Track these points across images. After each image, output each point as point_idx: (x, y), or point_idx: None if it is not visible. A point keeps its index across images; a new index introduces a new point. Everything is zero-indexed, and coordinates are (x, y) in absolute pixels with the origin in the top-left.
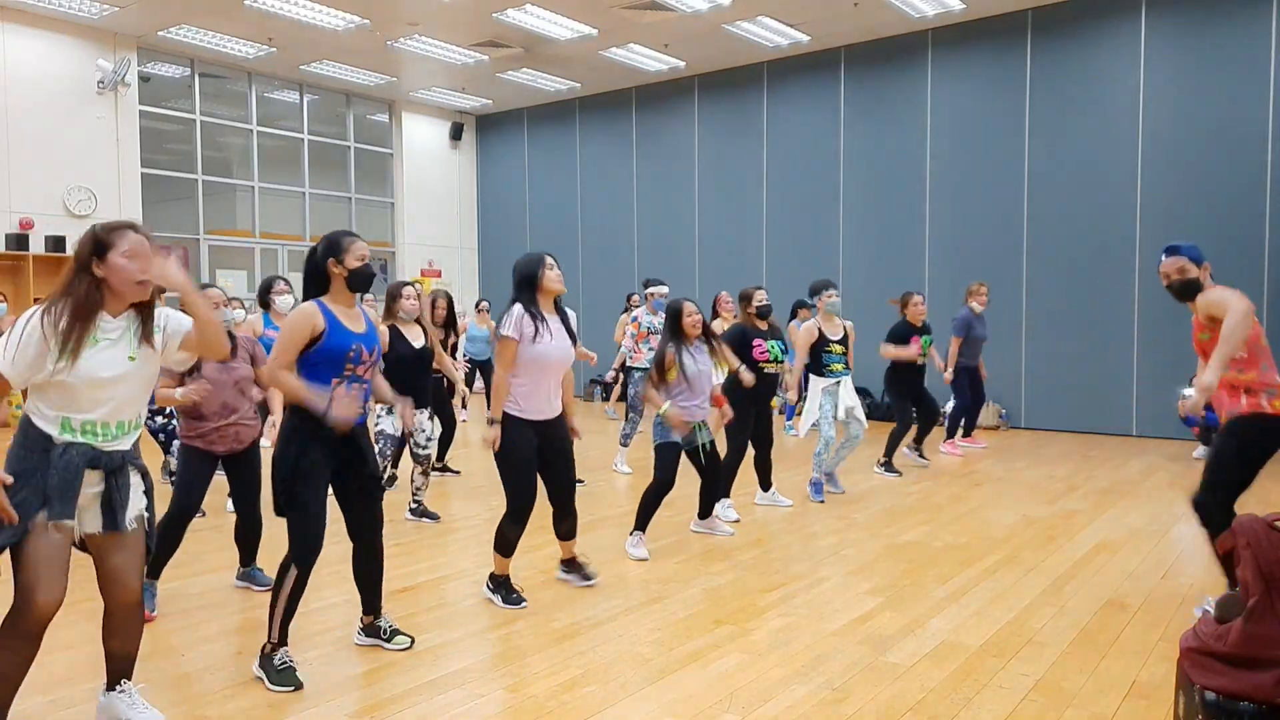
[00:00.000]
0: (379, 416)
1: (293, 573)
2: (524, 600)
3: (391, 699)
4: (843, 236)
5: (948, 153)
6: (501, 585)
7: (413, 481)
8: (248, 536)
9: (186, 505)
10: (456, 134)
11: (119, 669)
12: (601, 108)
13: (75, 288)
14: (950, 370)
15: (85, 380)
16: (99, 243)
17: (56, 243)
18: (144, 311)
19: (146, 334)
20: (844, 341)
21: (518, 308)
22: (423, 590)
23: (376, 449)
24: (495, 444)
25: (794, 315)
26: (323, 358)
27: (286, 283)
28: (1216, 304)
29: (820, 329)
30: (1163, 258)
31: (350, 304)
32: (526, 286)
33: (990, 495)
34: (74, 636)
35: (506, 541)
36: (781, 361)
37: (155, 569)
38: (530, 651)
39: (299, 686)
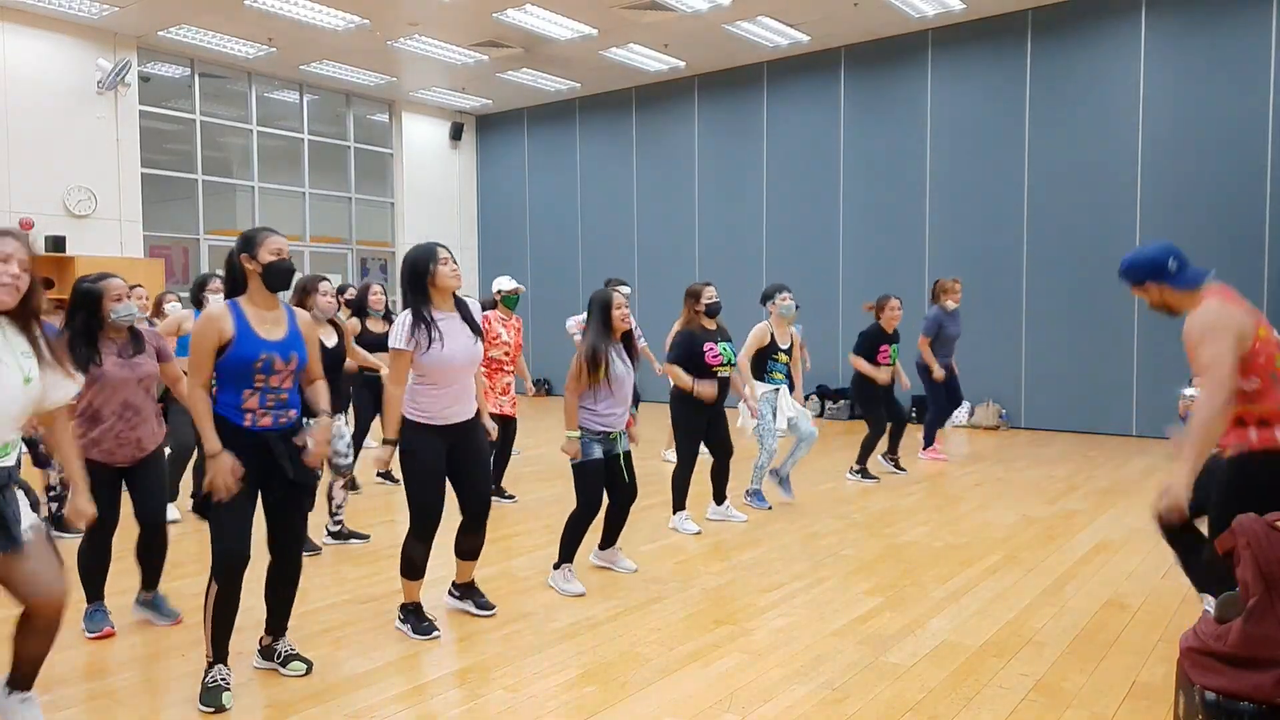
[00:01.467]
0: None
1: (214, 588)
2: (436, 630)
3: (391, 699)
4: (843, 236)
5: (948, 152)
6: (411, 614)
7: (331, 498)
8: (151, 555)
9: (104, 522)
10: (456, 134)
11: (27, 672)
12: (601, 108)
13: None
14: (938, 369)
15: None
16: None
17: (56, 243)
18: (24, 326)
19: (39, 353)
20: (789, 351)
21: (406, 316)
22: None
23: (346, 461)
24: (385, 465)
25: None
26: (229, 368)
27: (222, 280)
28: (1188, 346)
29: (771, 333)
30: None
31: (270, 305)
32: (417, 286)
33: (990, 495)
34: (70, 637)
35: (412, 564)
36: (733, 364)
37: (94, 591)
38: (530, 651)
39: (219, 709)
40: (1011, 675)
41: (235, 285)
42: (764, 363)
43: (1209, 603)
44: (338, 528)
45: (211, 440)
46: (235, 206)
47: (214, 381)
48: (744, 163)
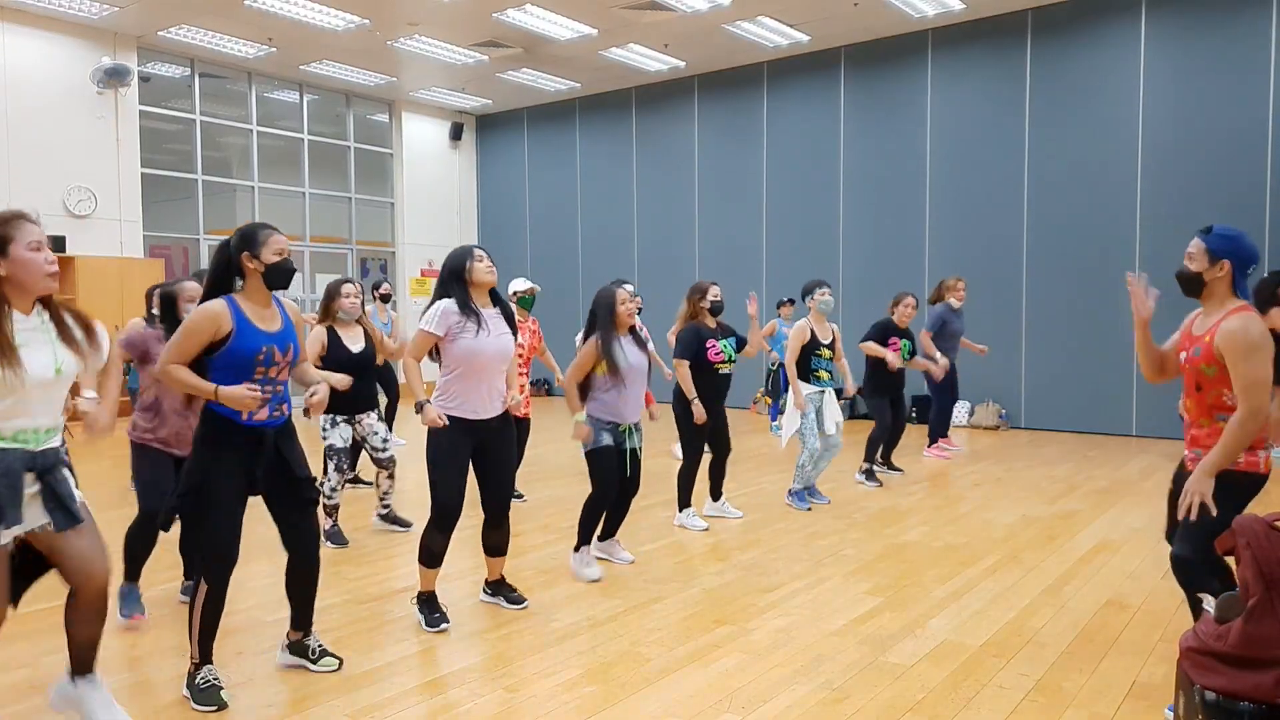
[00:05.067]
0: (324, 430)
1: (203, 588)
2: (447, 621)
3: (391, 699)
4: (843, 236)
5: (948, 152)
6: (425, 603)
7: (378, 486)
8: (194, 547)
9: (155, 505)
10: (456, 134)
11: (85, 657)
12: (601, 108)
13: None
14: (943, 360)
15: (27, 386)
16: None
17: (56, 243)
18: (52, 312)
19: (66, 339)
20: (832, 346)
21: (446, 302)
22: None
23: (332, 465)
24: (438, 421)
25: (777, 311)
26: (230, 361)
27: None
28: (1230, 351)
29: (812, 329)
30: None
31: (266, 303)
32: (455, 280)
33: (990, 495)
34: (64, 640)
35: (430, 552)
36: (734, 360)
37: (133, 571)
38: (530, 651)
39: (221, 706)
40: (1011, 675)
41: (225, 283)
42: (807, 360)
43: (1209, 603)
44: (385, 511)
45: (204, 385)
46: (235, 207)
47: (210, 379)
48: (744, 163)
